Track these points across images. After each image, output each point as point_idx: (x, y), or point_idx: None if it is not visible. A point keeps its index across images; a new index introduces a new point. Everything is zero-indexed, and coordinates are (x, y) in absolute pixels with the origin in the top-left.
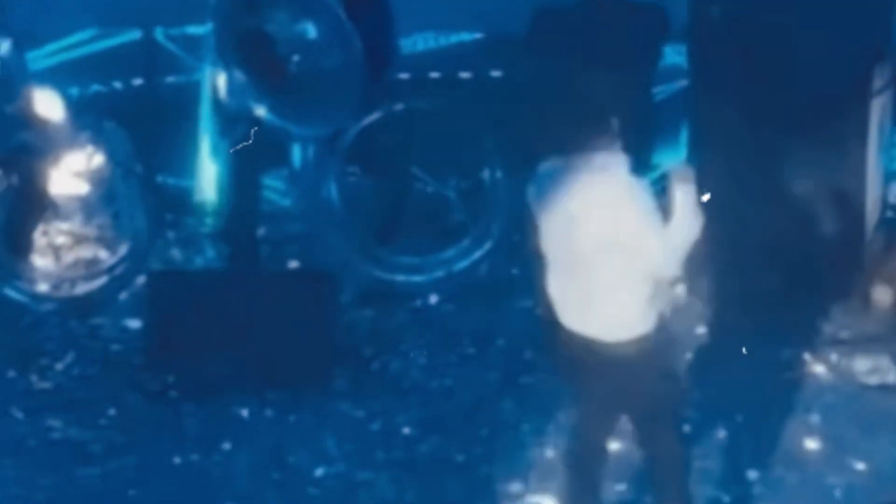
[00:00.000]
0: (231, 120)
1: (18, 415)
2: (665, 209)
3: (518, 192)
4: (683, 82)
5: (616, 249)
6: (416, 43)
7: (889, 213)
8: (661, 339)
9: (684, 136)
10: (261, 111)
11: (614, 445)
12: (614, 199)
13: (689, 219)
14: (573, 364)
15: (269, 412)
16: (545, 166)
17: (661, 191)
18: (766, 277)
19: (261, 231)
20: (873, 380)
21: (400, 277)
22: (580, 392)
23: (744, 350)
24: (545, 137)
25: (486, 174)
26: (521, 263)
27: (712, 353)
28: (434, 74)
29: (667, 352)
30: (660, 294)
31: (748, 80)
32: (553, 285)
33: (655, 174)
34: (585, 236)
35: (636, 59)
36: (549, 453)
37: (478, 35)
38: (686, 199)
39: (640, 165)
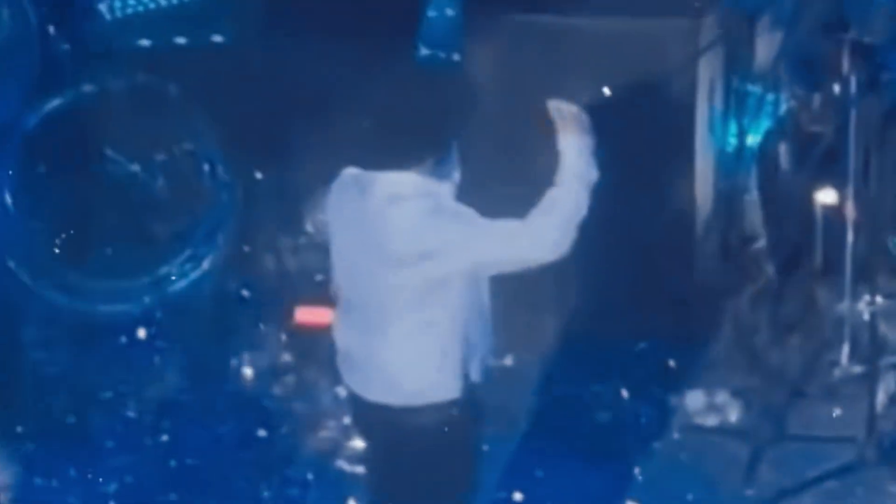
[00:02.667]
0: None
1: None
2: None
3: (248, 190)
4: None
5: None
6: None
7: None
8: (466, 408)
9: None
10: None
11: None
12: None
13: (581, 167)
14: (361, 432)
15: None
16: (344, 176)
17: None
18: (565, 286)
19: None
20: (710, 420)
21: (98, 307)
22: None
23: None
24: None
25: (206, 169)
26: (253, 283)
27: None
28: (141, 42)
29: (466, 426)
30: (470, 348)
31: None
32: (337, 330)
33: None
34: (367, 268)
35: None
36: None
37: None
38: (575, 149)
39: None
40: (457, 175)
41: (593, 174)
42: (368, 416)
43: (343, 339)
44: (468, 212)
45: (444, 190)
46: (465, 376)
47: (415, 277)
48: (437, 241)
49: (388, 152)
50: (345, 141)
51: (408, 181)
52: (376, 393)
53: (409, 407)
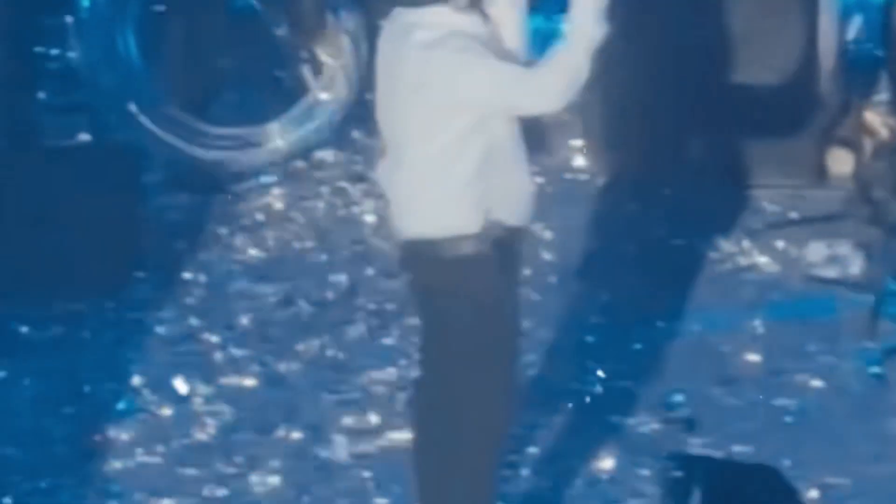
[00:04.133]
0: None
1: None
2: None
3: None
4: None
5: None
6: None
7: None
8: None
9: None
10: None
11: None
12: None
13: (587, 25)
14: (409, 277)
15: (56, 328)
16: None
17: None
18: (685, 136)
19: (39, 95)
20: (831, 272)
21: (221, 153)
22: (419, 317)
23: None
24: None
25: (329, 13)
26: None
27: (612, 243)
28: None
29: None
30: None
31: None
32: (380, 171)
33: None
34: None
35: None
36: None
37: None
38: (586, 8)
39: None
40: (511, 20)
41: (599, 34)
42: (403, 253)
43: (382, 177)
44: (481, 51)
45: (475, 28)
46: (487, 213)
47: (421, 104)
48: (440, 70)
49: None
50: None
51: (430, 14)
52: (401, 225)
53: (430, 239)
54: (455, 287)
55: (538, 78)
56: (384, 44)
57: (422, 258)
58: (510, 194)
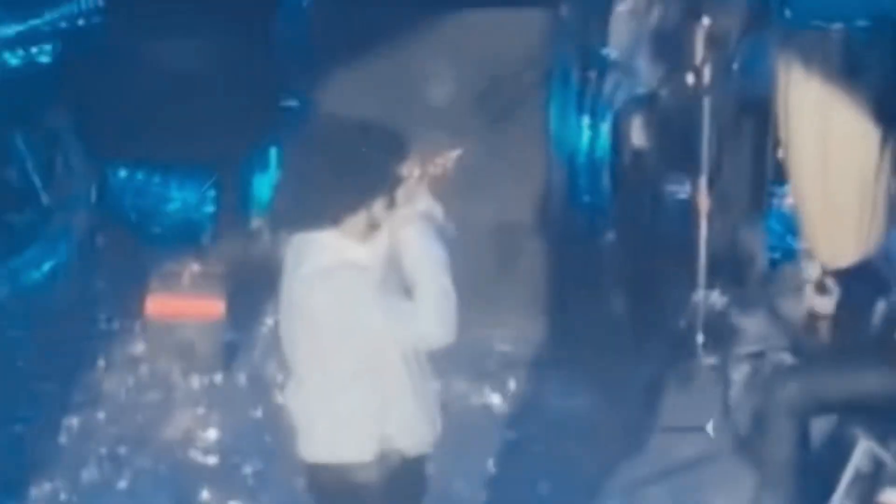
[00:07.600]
0: None
1: None
2: None
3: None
4: None
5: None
6: None
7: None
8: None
9: None
10: None
11: None
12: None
13: (430, 251)
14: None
15: None
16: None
17: None
18: None
19: None
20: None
21: None
22: None
23: None
24: None
25: (60, 157)
26: (108, 275)
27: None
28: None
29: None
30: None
31: None
32: (286, 392)
33: None
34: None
35: None
36: None
37: None
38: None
39: None
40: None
41: (444, 254)
42: (306, 477)
43: (287, 398)
44: (363, 289)
45: (365, 257)
46: (383, 442)
47: (311, 332)
48: (322, 303)
49: (305, 210)
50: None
51: (321, 239)
52: (303, 449)
53: (328, 465)
54: None
55: (419, 313)
56: (286, 259)
57: (322, 484)
58: (408, 424)
